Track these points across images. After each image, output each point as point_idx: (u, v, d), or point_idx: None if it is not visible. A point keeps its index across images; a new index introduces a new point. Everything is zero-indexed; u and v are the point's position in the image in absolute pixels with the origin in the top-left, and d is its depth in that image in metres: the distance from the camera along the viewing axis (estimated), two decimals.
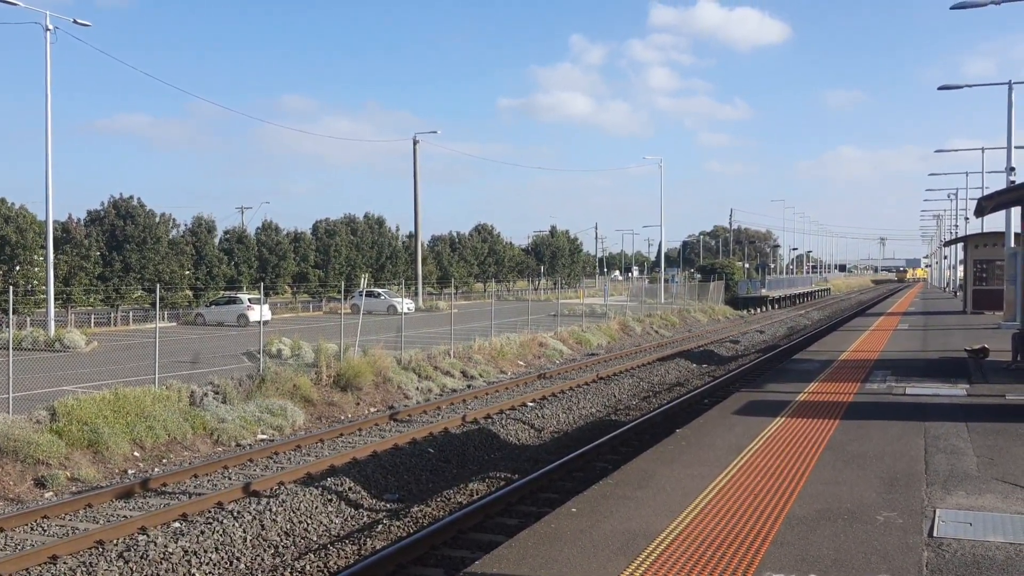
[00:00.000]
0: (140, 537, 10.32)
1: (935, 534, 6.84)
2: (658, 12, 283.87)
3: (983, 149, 46.33)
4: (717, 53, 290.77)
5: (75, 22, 32.62)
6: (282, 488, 12.39)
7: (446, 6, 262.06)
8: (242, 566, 10.02)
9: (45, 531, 10.87)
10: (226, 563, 10.01)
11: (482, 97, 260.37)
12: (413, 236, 61.80)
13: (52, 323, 31.81)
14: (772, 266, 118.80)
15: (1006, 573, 6.01)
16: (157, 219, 45.52)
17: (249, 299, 41.63)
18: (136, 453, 14.67)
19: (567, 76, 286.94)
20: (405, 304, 43.74)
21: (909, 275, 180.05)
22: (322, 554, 10.36)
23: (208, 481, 13.19)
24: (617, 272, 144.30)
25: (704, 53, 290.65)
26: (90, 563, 9.54)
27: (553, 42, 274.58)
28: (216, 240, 50.75)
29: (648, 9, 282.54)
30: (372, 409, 19.85)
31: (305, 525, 11.31)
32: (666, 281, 68.47)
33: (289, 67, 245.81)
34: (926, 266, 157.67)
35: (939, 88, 32.88)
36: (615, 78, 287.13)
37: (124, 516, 11.32)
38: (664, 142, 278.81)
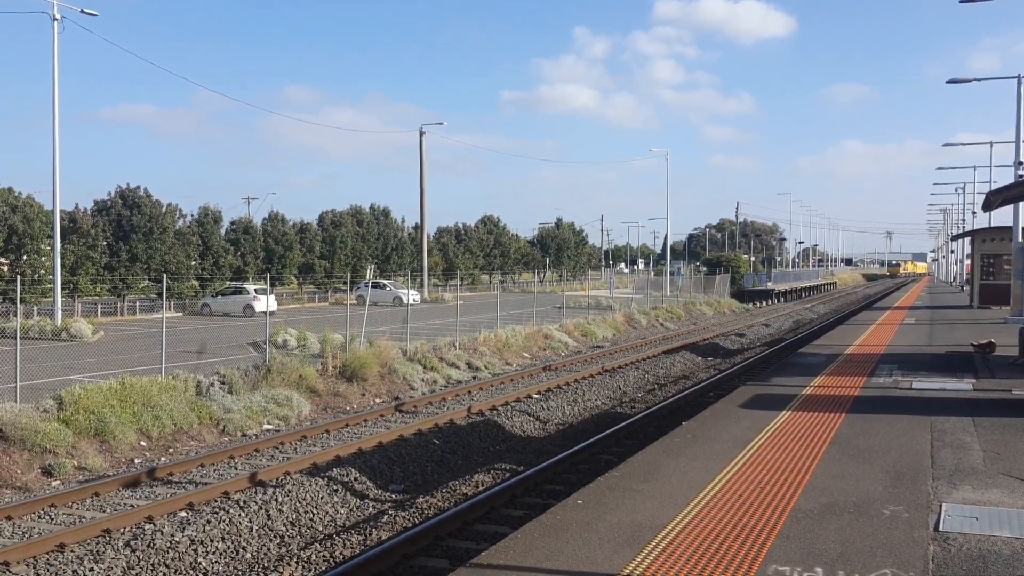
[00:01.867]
0: (147, 526, 10.37)
1: (941, 528, 6.84)
2: (662, 4, 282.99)
3: (991, 143, 46.19)
4: (722, 46, 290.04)
5: (83, 12, 32.65)
6: (288, 478, 12.43)
7: None
8: (248, 555, 10.05)
9: (52, 519, 10.91)
10: (232, 552, 10.04)
11: (485, 89, 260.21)
12: (419, 227, 61.82)
13: (59, 312, 31.91)
14: (778, 259, 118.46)
15: (1012, 568, 6.01)
16: (164, 209, 45.54)
17: (255, 290, 41.71)
18: (143, 442, 14.73)
19: (571, 69, 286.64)
20: (411, 295, 43.79)
21: (903, 270, 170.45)
22: (328, 544, 10.39)
23: (214, 471, 13.23)
24: (622, 265, 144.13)
25: (709, 46, 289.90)
26: (97, 551, 9.58)
27: (557, 35, 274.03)
28: (222, 231, 50.79)
29: (652, 1, 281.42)
30: (378, 400, 19.89)
31: (311, 515, 11.35)
32: (672, 274, 68.37)
33: (292, 58, 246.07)
34: (933, 260, 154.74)
35: (948, 82, 32.75)
36: (619, 71, 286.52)
37: (131, 505, 11.36)
38: (669, 135, 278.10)
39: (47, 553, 9.55)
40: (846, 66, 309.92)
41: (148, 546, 9.73)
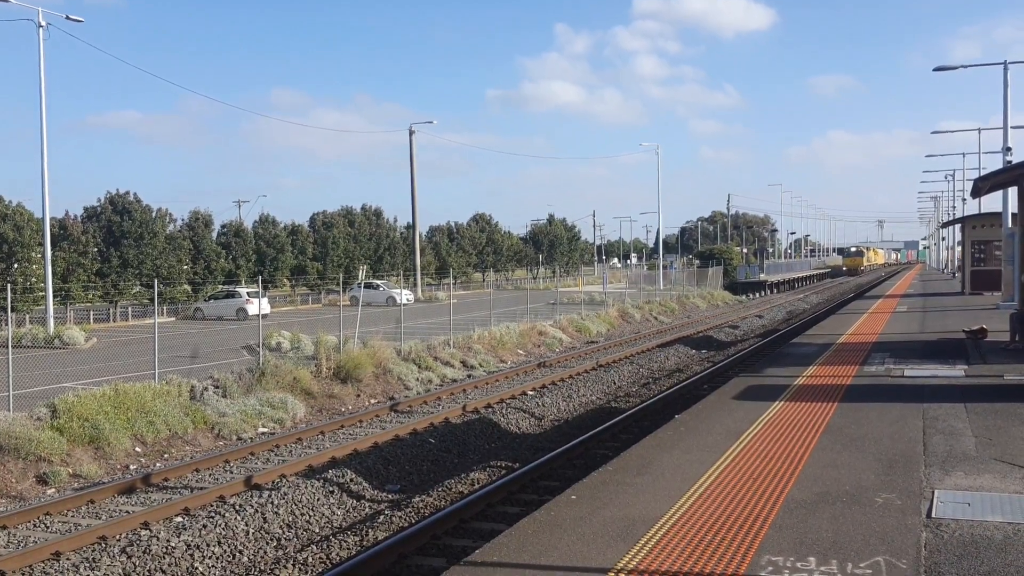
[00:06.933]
0: (143, 532, 10.35)
1: (934, 515, 6.87)
2: None
3: (979, 130, 46.33)
4: (704, 40, 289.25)
5: (68, 18, 32.55)
6: (284, 481, 12.42)
7: None
8: (245, 559, 10.05)
9: (48, 528, 10.89)
10: (229, 556, 10.04)
11: (471, 88, 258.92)
12: (411, 227, 61.78)
13: (51, 320, 31.81)
14: (770, 251, 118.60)
15: (1004, 553, 6.04)
16: (154, 214, 45.50)
17: (248, 293, 41.57)
18: (137, 448, 14.70)
19: (555, 66, 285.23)
20: (404, 295, 43.72)
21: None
22: (324, 546, 10.39)
23: (210, 475, 13.22)
24: (615, 260, 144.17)
25: (691, 40, 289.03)
26: (93, 559, 9.57)
27: (538, 32, 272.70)
28: (213, 234, 50.73)
29: None
30: (372, 400, 19.88)
31: (307, 517, 11.35)
32: (665, 268, 68.51)
33: (278, 61, 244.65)
34: (925, 247, 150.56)
35: (935, 69, 32.84)
36: (603, 67, 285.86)
37: (126, 512, 11.34)
38: (658, 130, 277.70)
39: (43, 561, 9.53)
40: (828, 56, 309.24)
41: (144, 552, 9.72)
